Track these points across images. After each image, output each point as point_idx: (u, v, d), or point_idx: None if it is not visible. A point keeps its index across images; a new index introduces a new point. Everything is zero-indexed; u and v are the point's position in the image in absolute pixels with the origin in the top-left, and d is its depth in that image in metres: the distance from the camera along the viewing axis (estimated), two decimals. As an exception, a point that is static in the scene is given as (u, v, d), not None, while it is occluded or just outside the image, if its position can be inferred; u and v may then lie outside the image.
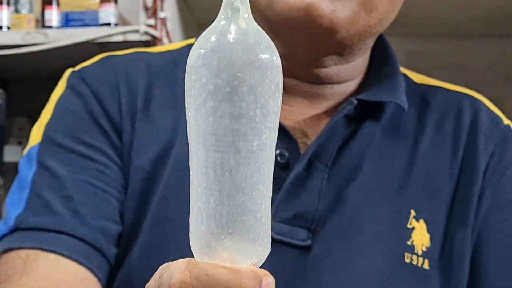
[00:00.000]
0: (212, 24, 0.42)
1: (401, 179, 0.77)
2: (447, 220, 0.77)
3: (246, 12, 0.42)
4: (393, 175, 0.77)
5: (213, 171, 0.40)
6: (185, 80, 0.42)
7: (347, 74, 0.80)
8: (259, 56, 0.40)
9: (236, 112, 0.40)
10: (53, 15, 1.76)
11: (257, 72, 0.40)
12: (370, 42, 0.79)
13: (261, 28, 0.42)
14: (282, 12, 0.71)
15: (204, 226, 0.41)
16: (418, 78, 0.88)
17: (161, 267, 0.43)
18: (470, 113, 0.83)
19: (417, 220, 0.75)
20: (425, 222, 0.76)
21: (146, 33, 1.67)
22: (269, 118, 0.41)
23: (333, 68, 0.78)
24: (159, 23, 1.69)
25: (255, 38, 0.41)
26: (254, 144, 0.40)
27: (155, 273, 0.44)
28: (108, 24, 1.72)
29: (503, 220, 0.79)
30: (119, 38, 1.68)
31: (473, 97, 0.86)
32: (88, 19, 1.75)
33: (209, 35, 0.41)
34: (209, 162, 0.40)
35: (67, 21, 1.76)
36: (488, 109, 0.85)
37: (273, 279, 0.41)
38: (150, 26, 1.68)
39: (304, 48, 0.75)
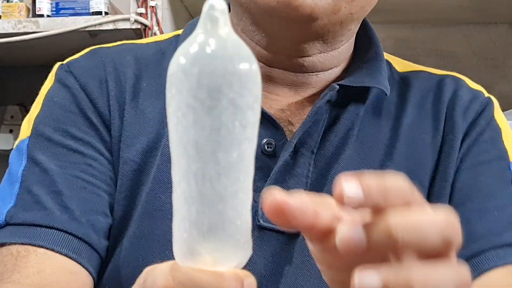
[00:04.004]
0: (192, 35, 0.41)
1: (383, 158, 0.78)
2: (428, 194, 0.78)
3: (225, 23, 0.41)
4: (375, 154, 0.78)
5: (194, 181, 0.41)
6: (166, 92, 0.42)
7: (332, 61, 0.81)
8: (238, 68, 0.40)
9: (216, 124, 0.40)
10: (44, 4, 1.76)
11: (236, 84, 0.40)
12: (354, 28, 0.80)
13: (240, 40, 0.42)
14: (262, 3, 0.72)
15: (187, 234, 0.41)
16: (401, 66, 0.89)
17: (145, 270, 0.44)
18: (451, 90, 0.84)
19: None
20: None
21: (136, 21, 1.67)
22: (248, 129, 0.41)
23: (317, 56, 0.79)
24: (149, 12, 1.69)
25: (235, 50, 0.41)
26: (234, 155, 0.41)
27: (139, 277, 0.44)
28: (99, 13, 1.72)
29: (470, 177, 0.79)
30: (110, 27, 1.68)
31: (455, 76, 0.87)
32: (79, 8, 1.75)
33: (188, 47, 0.41)
34: (191, 172, 0.41)
35: (58, 9, 1.76)
36: (469, 86, 0.86)
37: (254, 279, 0.42)
38: (141, 14, 1.68)
39: (287, 38, 0.76)
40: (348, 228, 0.42)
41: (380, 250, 0.42)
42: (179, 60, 0.41)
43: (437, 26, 2.11)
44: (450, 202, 0.78)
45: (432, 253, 0.42)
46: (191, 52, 0.40)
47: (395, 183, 0.43)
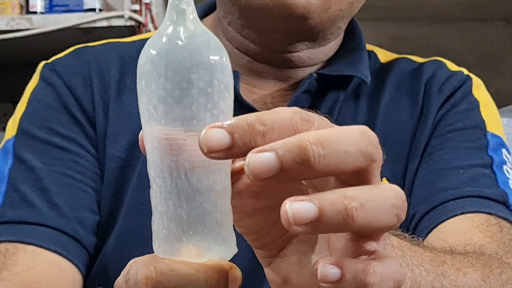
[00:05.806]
0: (159, 28, 0.41)
1: None
2: (404, 172, 0.79)
3: (191, 14, 0.41)
4: None
5: (169, 175, 0.40)
6: (137, 86, 0.41)
7: (319, 56, 0.82)
8: (206, 58, 0.40)
9: (187, 115, 0.39)
10: (37, 1, 1.76)
11: (206, 74, 0.40)
12: (343, 26, 0.81)
13: (207, 29, 0.42)
14: (255, 2, 0.73)
15: (166, 230, 0.41)
16: (386, 56, 0.90)
17: (129, 262, 0.44)
18: (430, 71, 0.85)
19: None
20: (388, 180, 0.78)
21: (130, 18, 1.66)
22: (220, 118, 0.40)
23: (305, 52, 0.80)
24: (143, 9, 1.69)
25: (202, 40, 0.40)
26: None
27: (124, 268, 0.44)
28: (93, 10, 1.71)
29: (439, 143, 0.80)
30: (104, 24, 1.67)
31: (436, 60, 0.88)
32: (73, 5, 1.74)
33: (156, 40, 0.41)
34: (165, 166, 0.40)
35: (52, 6, 1.76)
36: (448, 68, 0.87)
37: (239, 271, 0.41)
38: (135, 11, 1.68)
39: (277, 33, 0.77)
40: (257, 151, 0.36)
41: (295, 175, 0.36)
42: (147, 53, 0.41)
43: (433, 23, 2.11)
44: (418, 167, 0.79)
45: (354, 173, 0.37)
46: (158, 44, 0.41)
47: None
